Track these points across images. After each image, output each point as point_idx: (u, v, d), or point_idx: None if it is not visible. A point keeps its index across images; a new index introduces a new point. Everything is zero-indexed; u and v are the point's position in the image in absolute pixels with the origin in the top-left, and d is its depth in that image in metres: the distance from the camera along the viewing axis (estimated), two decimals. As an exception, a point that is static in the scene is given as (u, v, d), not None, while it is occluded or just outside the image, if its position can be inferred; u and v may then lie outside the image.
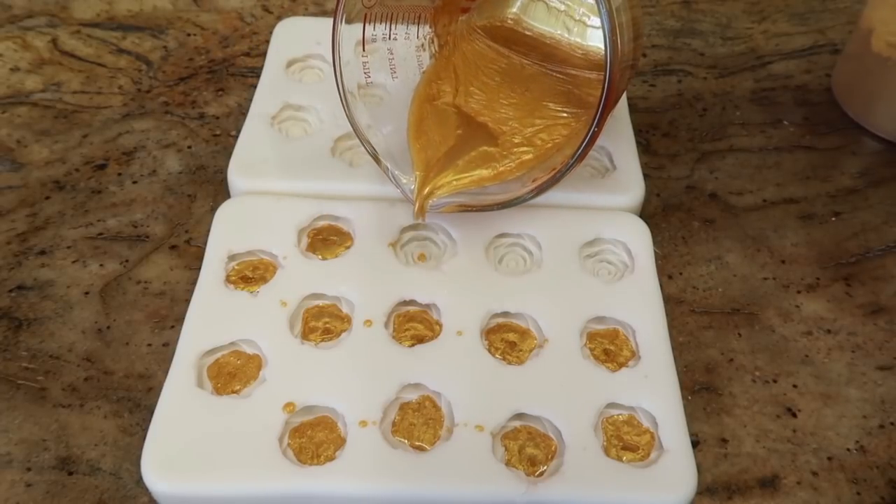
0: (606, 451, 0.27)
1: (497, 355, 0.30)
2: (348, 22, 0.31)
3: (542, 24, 0.37)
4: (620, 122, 0.38)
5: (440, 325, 0.31)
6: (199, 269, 0.32)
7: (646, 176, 0.36)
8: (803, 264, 0.36)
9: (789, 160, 0.41)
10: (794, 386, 0.32)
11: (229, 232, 0.33)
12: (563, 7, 0.36)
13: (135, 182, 0.38)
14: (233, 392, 0.28)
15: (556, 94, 0.35)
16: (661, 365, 0.30)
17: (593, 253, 0.34)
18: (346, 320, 0.31)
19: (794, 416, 0.31)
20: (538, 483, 0.26)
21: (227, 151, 0.37)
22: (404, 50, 0.35)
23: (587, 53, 0.36)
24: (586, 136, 0.28)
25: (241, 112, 0.41)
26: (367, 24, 0.32)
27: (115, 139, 0.40)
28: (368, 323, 0.30)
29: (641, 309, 0.31)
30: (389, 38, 0.34)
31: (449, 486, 0.26)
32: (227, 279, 0.32)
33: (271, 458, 0.27)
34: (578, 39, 0.36)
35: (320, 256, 0.33)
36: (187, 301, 0.31)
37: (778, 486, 0.29)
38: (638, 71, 0.45)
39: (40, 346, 0.32)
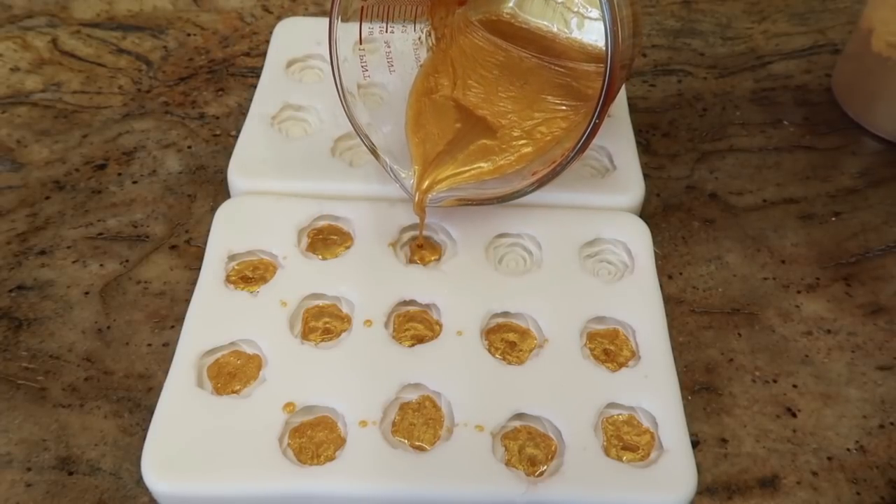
0: (606, 451, 0.27)
1: (497, 355, 0.30)
2: (345, 19, 0.31)
3: (540, 18, 0.37)
4: (620, 122, 0.38)
5: (440, 325, 0.31)
6: (199, 269, 0.32)
7: (646, 176, 0.36)
8: (803, 264, 0.36)
9: (789, 160, 0.41)
10: (794, 386, 0.32)
11: (229, 232, 0.33)
12: (560, 0, 0.36)
13: (135, 182, 0.38)
14: (233, 392, 0.28)
15: (555, 87, 0.35)
16: (661, 365, 0.30)
17: (593, 253, 0.34)
18: (346, 320, 0.31)
19: (794, 416, 0.31)
20: (538, 483, 0.26)
21: (227, 151, 0.37)
22: (402, 44, 0.35)
23: (585, 46, 0.36)
24: (587, 127, 0.28)
25: (241, 112, 0.41)
26: (364, 20, 0.32)
27: (115, 139, 0.40)
28: (368, 323, 0.30)
29: (641, 309, 0.31)
30: (387, 32, 0.34)
31: (449, 486, 0.26)
32: (227, 279, 0.32)
33: (271, 458, 0.27)
34: (577, 32, 0.36)
35: (320, 256, 0.33)
36: (187, 301, 0.31)
37: (778, 486, 0.29)
38: (637, 71, 0.45)
39: (40, 346, 0.32)
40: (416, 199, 0.31)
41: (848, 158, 0.41)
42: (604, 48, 0.27)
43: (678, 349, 0.33)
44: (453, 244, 0.33)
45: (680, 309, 0.34)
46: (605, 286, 0.32)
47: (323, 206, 0.34)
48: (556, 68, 0.35)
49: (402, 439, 0.28)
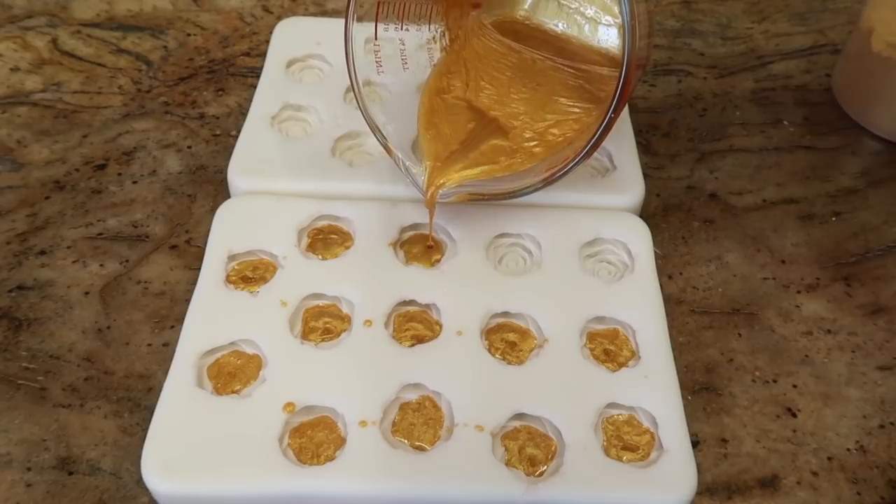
0: (606, 451, 0.27)
1: (497, 355, 0.30)
2: (360, 16, 0.31)
3: (553, 21, 0.36)
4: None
5: (440, 325, 0.31)
6: (199, 269, 0.32)
7: (646, 176, 0.36)
8: (803, 264, 0.36)
9: (789, 160, 0.41)
10: (794, 386, 0.32)
11: (229, 232, 0.33)
12: (574, 4, 0.36)
13: (135, 182, 0.38)
14: (233, 392, 0.28)
15: (568, 90, 0.35)
16: (661, 365, 0.30)
17: (593, 253, 0.34)
18: (346, 320, 0.31)
19: (794, 416, 0.31)
20: (538, 483, 0.26)
21: (227, 151, 0.37)
22: (415, 42, 0.35)
23: (598, 50, 0.36)
24: (603, 121, 0.28)
25: (241, 112, 0.41)
26: (379, 18, 0.32)
27: (115, 139, 0.40)
28: (368, 323, 0.30)
29: (641, 309, 0.31)
30: (401, 30, 0.34)
31: (449, 486, 0.26)
32: (227, 279, 0.32)
33: (271, 458, 0.27)
34: (590, 36, 0.36)
35: (320, 256, 0.33)
36: (187, 301, 0.31)
37: (778, 486, 0.29)
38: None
39: (40, 346, 0.32)
40: (428, 194, 0.31)
41: (848, 158, 0.41)
42: (618, 51, 0.27)
43: (678, 349, 0.33)
44: (453, 244, 0.33)
45: (680, 309, 0.34)
46: (605, 286, 0.32)
47: (323, 206, 0.34)
48: (569, 70, 0.36)
49: (402, 439, 0.28)
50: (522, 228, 0.34)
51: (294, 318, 0.31)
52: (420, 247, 0.33)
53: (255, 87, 0.39)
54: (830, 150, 0.41)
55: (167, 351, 0.31)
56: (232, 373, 0.29)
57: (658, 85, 0.44)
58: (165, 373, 0.29)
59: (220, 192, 0.38)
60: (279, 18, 0.45)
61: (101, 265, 0.35)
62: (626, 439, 0.28)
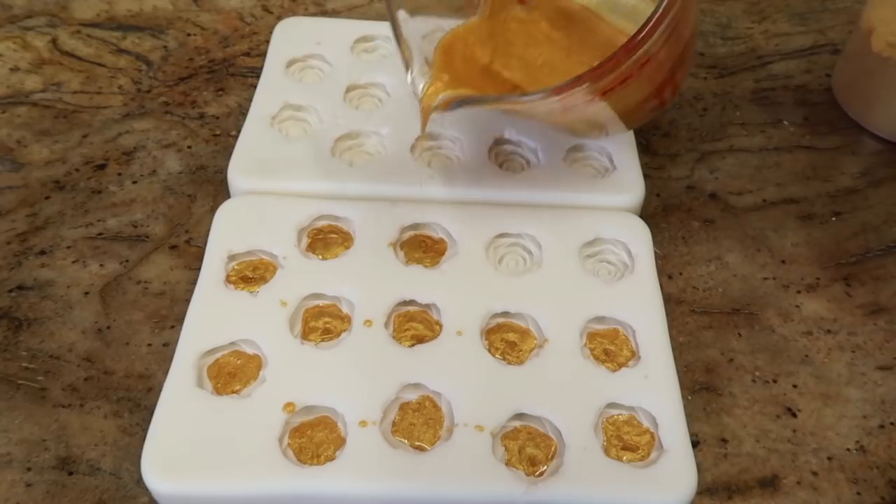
0: (606, 451, 0.27)
1: (497, 355, 0.30)
2: None
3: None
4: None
5: (440, 325, 0.31)
6: (199, 269, 0.32)
7: (646, 176, 0.36)
8: (803, 264, 0.36)
9: (789, 160, 0.41)
10: (794, 386, 0.32)
11: (229, 232, 0.33)
12: None
13: (135, 182, 0.38)
14: (233, 392, 0.28)
15: (595, 57, 0.34)
16: (661, 365, 0.30)
17: (593, 253, 0.34)
18: (346, 320, 0.31)
19: (794, 416, 0.31)
20: (538, 483, 0.26)
21: (227, 151, 0.37)
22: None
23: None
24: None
25: (241, 112, 0.41)
26: None
27: (115, 139, 0.40)
28: (368, 323, 0.30)
29: (641, 309, 0.31)
30: None
31: (449, 486, 0.26)
32: (227, 279, 0.32)
33: (271, 458, 0.27)
34: (625, 21, 0.35)
35: (320, 256, 0.33)
36: (187, 301, 0.31)
37: (778, 486, 0.29)
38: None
39: (40, 346, 0.32)
40: (424, 101, 0.30)
41: (848, 158, 0.41)
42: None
43: (678, 349, 0.33)
44: (453, 244, 0.33)
45: (680, 309, 0.34)
46: (605, 286, 0.32)
47: (323, 206, 0.34)
48: (600, 51, 0.34)
49: (402, 439, 0.28)
50: (522, 228, 0.34)
51: (294, 318, 0.31)
52: (420, 250, 0.33)
53: (255, 87, 0.39)
54: (830, 150, 0.41)
55: (167, 351, 0.31)
56: (232, 373, 0.29)
57: (658, 85, 0.44)
58: (165, 373, 0.29)
59: (220, 192, 0.38)
60: (279, 18, 0.45)
61: (101, 265, 0.35)
62: (626, 439, 0.28)
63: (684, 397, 0.29)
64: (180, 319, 0.31)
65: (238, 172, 0.35)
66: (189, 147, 0.40)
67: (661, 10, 0.27)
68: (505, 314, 0.31)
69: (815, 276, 0.36)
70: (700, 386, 0.32)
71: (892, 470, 0.30)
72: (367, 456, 0.27)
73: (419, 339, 0.30)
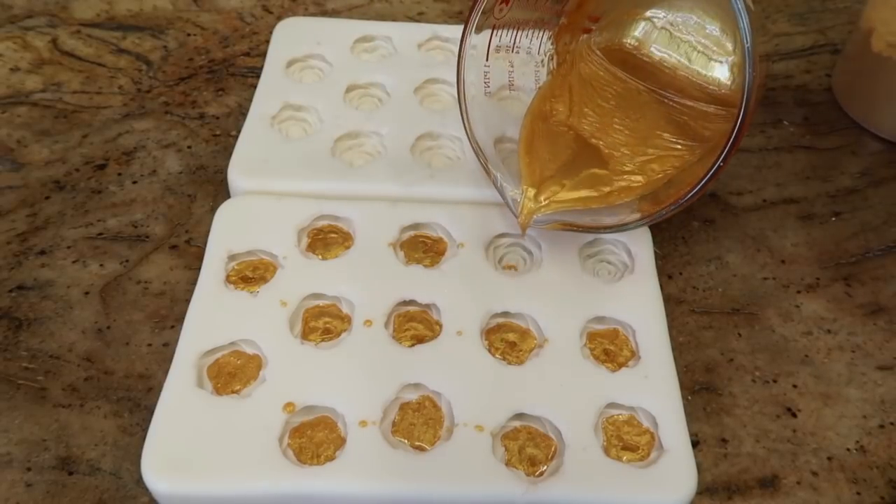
0: (606, 451, 0.27)
1: (497, 355, 0.30)
2: (476, 32, 0.31)
3: (663, 51, 0.36)
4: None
5: (440, 325, 0.31)
6: (199, 269, 0.32)
7: (646, 176, 0.36)
8: (803, 264, 0.36)
9: (789, 160, 0.41)
10: (794, 386, 0.32)
11: (229, 232, 0.33)
12: (687, 37, 0.35)
13: (135, 182, 0.38)
14: (233, 392, 0.28)
15: (671, 125, 0.34)
16: (661, 365, 0.30)
17: (593, 253, 0.34)
18: (346, 320, 0.31)
19: (794, 416, 0.31)
20: (538, 483, 0.26)
21: (227, 151, 0.37)
22: (524, 64, 0.35)
23: (707, 86, 0.35)
24: (711, 169, 0.28)
25: (241, 112, 0.41)
26: (493, 36, 0.33)
27: (115, 139, 0.40)
28: (368, 323, 0.30)
29: (641, 309, 0.31)
30: (512, 52, 0.34)
31: (449, 486, 0.26)
32: (227, 279, 0.32)
33: (271, 458, 0.27)
34: (699, 70, 0.35)
35: (320, 256, 0.33)
36: (187, 301, 0.31)
37: (778, 486, 0.29)
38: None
39: (40, 346, 0.32)
40: (522, 218, 0.31)
41: (848, 158, 0.41)
42: (727, 88, 0.26)
43: (678, 349, 0.33)
44: (453, 244, 0.33)
45: (680, 309, 0.34)
46: (605, 286, 0.32)
47: (323, 206, 0.34)
48: (674, 105, 0.35)
49: (402, 439, 0.28)
50: (522, 228, 0.34)
51: (294, 318, 0.31)
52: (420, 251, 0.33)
53: (255, 87, 0.39)
54: (830, 150, 0.41)
55: (167, 351, 0.31)
56: (232, 373, 0.29)
57: (658, 85, 0.44)
58: (165, 373, 0.29)
59: (220, 192, 0.38)
60: (279, 18, 0.45)
61: (101, 265, 0.35)
62: (626, 439, 0.28)
63: (684, 397, 0.29)
64: (180, 319, 0.31)
65: (238, 172, 0.35)
66: (189, 147, 0.40)
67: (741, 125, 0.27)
68: (505, 314, 0.31)
69: (815, 276, 0.36)
70: (700, 386, 0.32)
71: (892, 470, 0.30)
72: (367, 456, 0.27)
73: (419, 339, 0.30)
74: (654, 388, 0.29)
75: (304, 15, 0.48)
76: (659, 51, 0.36)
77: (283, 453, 0.27)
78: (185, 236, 0.36)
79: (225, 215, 0.34)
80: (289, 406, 0.28)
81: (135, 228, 0.36)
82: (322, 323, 0.31)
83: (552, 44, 0.36)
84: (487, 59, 0.33)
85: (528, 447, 0.28)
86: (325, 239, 0.33)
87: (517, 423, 0.28)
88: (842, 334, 0.34)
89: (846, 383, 0.32)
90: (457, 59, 0.32)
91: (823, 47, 0.47)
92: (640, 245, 0.33)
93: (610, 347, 0.30)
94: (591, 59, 0.36)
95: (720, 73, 0.35)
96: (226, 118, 0.41)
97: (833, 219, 0.38)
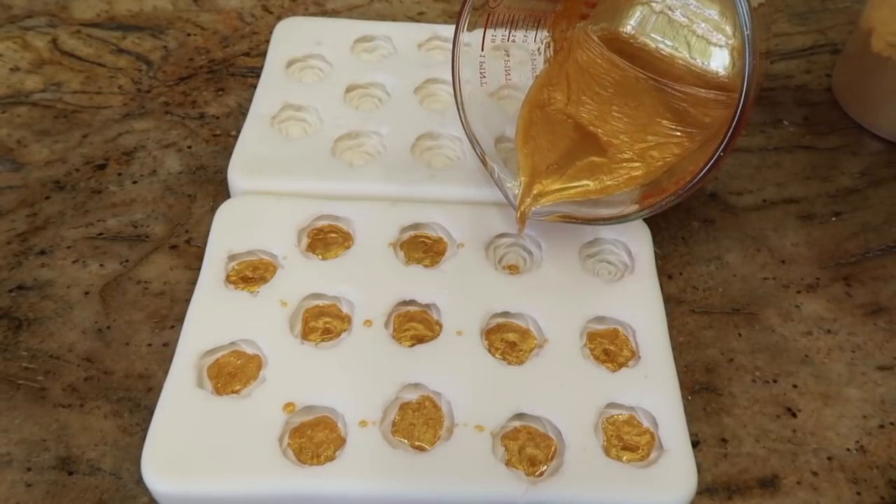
0: (606, 451, 0.27)
1: (497, 355, 0.30)
2: (469, 26, 0.31)
3: (662, 38, 0.35)
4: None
5: (440, 325, 0.31)
6: (199, 269, 0.32)
7: (646, 176, 0.36)
8: (803, 264, 0.36)
9: (789, 160, 0.41)
10: (794, 386, 0.32)
11: (229, 232, 0.33)
12: (685, 21, 0.35)
13: (135, 182, 0.38)
14: (233, 392, 0.28)
15: (671, 111, 0.34)
16: (661, 365, 0.30)
17: (593, 253, 0.34)
18: (346, 320, 0.31)
19: (794, 416, 0.31)
20: (538, 483, 0.26)
21: (227, 151, 0.37)
22: (520, 53, 0.35)
23: (706, 73, 0.34)
24: (711, 159, 0.27)
25: (241, 112, 0.41)
26: (488, 27, 0.32)
27: (115, 139, 0.40)
28: (368, 323, 0.30)
29: (641, 309, 0.31)
30: (508, 41, 0.34)
31: (449, 486, 0.26)
32: (227, 279, 0.32)
33: (271, 458, 0.27)
34: (698, 57, 0.35)
35: (320, 256, 0.33)
36: (187, 301, 0.31)
37: (778, 486, 0.29)
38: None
39: (40, 346, 0.32)
40: (520, 210, 0.31)
41: (848, 158, 0.41)
42: (726, 76, 0.26)
43: (678, 349, 0.33)
44: (453, 244, 0.33)
45: (680, 309, 0.34)
46: (605, 286, 0.32)
47: (323, 206, 0.34)
48: (673, 92, 0.34)
49: (402, 439, 0.28)
50: (522, 228, 0.34)
51: (294, 318, 0.31)
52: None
53: (255, 87, 0.39)
54: (830, 150, 0.41)
55: (167, 351, 0.31)
56: (232, 373, 0.29)
57: (658, 85, 0.44)
58: (165, 373, 0.29)
59: (220, 192, 0.38)
60: (279, 18, 0.45)
61: (101, 265, 0.35)
62: (626, 439, 0.28)
63: (684, 397, 0.29)
64: (180, 319, 0.31)
65: (238, 172, 0.35)
66: (189, 147, 0.40)
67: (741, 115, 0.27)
68: (505, 314, 0.31)
69: (815, 276, 0.36)
70: (700, 386, 0.32)
71: (892, 470, 0.30)
72: (367, 456, 0.27)
73: (419, 339, 0.30)
74: (654, 388, 0.29)
75: (304, 15, 0.48)
76: (657, 37, 0.36)
77: (283, 453, 0.27)
78: (185, 236, 0.36)
79: (225, 215, 0.34)
80: (289, 406, 0.28)
81: (135, 228, 0.36)
82: (322, 323, 0.31)
83: (548, 32, 0.35)
84: (483, 51, 0.33)
85: (528, 447, 0.28)
86: (325, 239, 0.33)
87: (517, 423, 0.28)
88: (842, 334, 0.34)
89: (846, 383, 0.32)
90: (451, 52, 0.31)
91: (823, 47, 0.47)
92: (641, 245, 0.33)
93: (610, 347, 0.30)
94: (589, 47, 0.36)
95: (720, 57, 0.34)
96: (226, 118, 0.41)
97: (833, 219, 0.38)
